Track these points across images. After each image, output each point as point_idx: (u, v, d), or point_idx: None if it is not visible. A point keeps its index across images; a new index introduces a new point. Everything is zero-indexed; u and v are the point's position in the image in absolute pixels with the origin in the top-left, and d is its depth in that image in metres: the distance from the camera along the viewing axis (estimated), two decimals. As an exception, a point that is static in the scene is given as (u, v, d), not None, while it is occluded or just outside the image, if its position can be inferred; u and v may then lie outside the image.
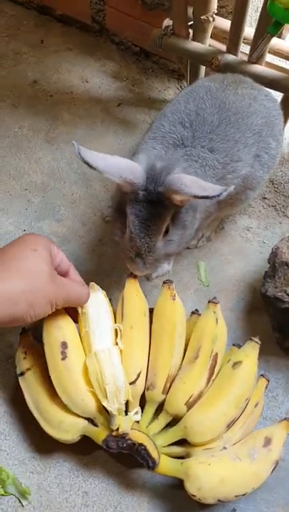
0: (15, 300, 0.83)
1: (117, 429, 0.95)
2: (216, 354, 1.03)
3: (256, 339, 1.04)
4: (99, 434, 0.97)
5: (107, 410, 0.98)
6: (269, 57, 1.40)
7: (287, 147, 1.51)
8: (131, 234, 0.99)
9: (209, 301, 1.08)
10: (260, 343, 1.05)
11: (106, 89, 1.64)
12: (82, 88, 1.64)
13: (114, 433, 0.95)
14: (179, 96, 1.19)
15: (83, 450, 1.06)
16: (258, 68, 1.29)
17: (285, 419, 1.02)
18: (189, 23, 1.37)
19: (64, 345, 0.98)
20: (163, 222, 0.98)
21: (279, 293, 1.11)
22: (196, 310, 1.14)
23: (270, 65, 1.36)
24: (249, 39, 1.30)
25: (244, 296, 1.28)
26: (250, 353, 1.03)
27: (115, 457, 1.06)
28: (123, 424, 0.95)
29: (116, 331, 1.03)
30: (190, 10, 1.34)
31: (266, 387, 1.07)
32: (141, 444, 0.94)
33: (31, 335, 1.07)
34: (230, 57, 1.31)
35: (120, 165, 0.94)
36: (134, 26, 1.62)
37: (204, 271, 1.32)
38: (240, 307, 1.27)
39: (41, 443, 1.07)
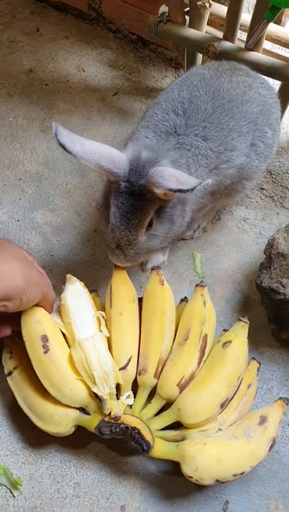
0: (13, 276, 0.87)
1: (110, 414, 0.94)
2: (206, 335, 1.03)
3: (245, 319, 1.04)
4: (91, 422, 0.97)
5: (98, 397, 0.97)
6: (268, 45, 1.38)
7: (285, 137, 1.49)
8: (112, 225, 0.97)
9: (197, 285, 1.08)
10: (248, 322, 1.05)
11: (102, 77, 1.62)
12: (78, 77, 1.62)
13: (106, 418, 0.95)
14: (173, 84, 1.16)
15: (75, 441, 1.05)
16: (256, 55, 1.26)
17: (279, 398, 1.01)
18: (186, 10, 1.35)
19: (44, 338, 0.97)
20: (145, 216, 0.96)
21: (274, 284, 1.10)
22: (185, 297, 1.14)
23: (268, 52, 1.33)
24: (246, 25, 1.27)
25: (240, 287, 1.27)
26: (240, 332, 1.03)
27: (107, 447, 1.05)
28: (115, 407, 0.95)
29: (98, 318, 1.03)
30: (187, -4, 1.32)
31: (258, 370, 1.06)
32: (134, 428, 0.93)
33: (16, 334, 1.06)
34: (227, 44, 1.29)
35: (100, 152, 0.91)
36: (131, 13, 1.59)
37: (200, 262, 1.30)
38: (236, 299, 1.25)
39: (33, 434, 1.06)
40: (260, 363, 1.08)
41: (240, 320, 1.05)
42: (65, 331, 1.02)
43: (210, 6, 1.28)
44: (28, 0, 1.79)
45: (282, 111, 1.40)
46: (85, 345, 0.96)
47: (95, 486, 1.02)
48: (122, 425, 0.94)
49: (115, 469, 1.03)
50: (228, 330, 1.06)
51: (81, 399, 0.97)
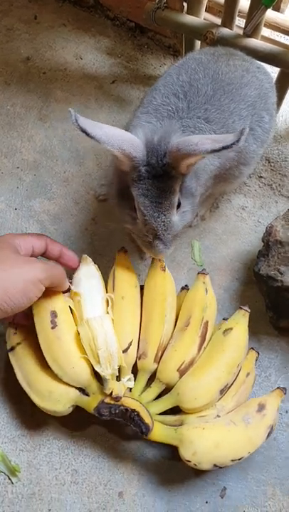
0: None
1: (111, 394, 0.95)
2: (207, 322, 1.03)
3: (246, 307, 1.05)
4: (91, 403, 0.97)
5: (99, 379, 0.98)
6: (267, 32, 1.37)
7: (283, 124, 1.48)
8: (144, 217, 0.92)
9: (199, 273, 1.08)
10: (249, 311, 1.05)
11: (100, 65, 1.61)
12: (76, 65, 1.60)
13: (106, 399, 0.95)
14: (170, 69, 1.15)
15: (73, 428, 1.06)
16: (254, 42, 1.25)
17: (277, 388, 1.02)
18: (184, -4, 1.34)
19: (54, 314, 0.97)
20: (174, 195, 0.92)
21: (272, 271, 1.09)
22: (186, 286, 1.14)
23: (266, 39, 1.32)
24: (244, 12, 1.26)
25: (238, 275, 1.27)
26: (240, 320, 1.03)
27: (105, 434, 1.05)
28: (116, 388, 0.95)
29: (107, 301, 1.03)
30: (185, -18, 1.31)
31: (256, 360, 1.07)
32: (134, 410, 0.94)
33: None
34: (225, 30, 1.27)
35: (120, 136, 0.87)
36: (129, 1, 1.58)
37: (198, 250, 1.30)
38: (235, 287, 1.25)
39: (31, 421, 1.06)
40: (258, 353, 1.08)
41: (241, 308, 1.05)
42: (74, 309, 1.02)
43: (208, -9, 1.27)
44: (26, -13, 1.77)
45: (281, 98, 1.39)
46: (93, 324, 0.97)
47: (93, 473, 1.02)
48: (122, 407, 0.94)
49: (113, 456, 1.04)
50: (227, 318, 1.06)
51: (82, 379, 0.97)
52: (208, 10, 1.37)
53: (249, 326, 1.18)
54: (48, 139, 1.45)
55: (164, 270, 1.05)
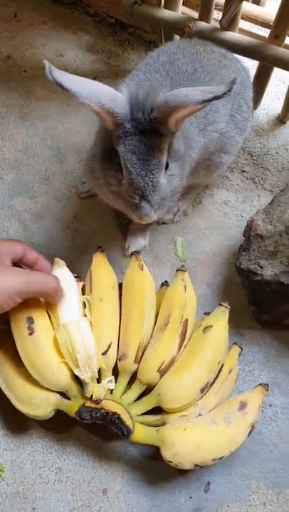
0: None
1: (91, 397, 0.94)
2: (186, 320, 1.02)
3: (226, 304, 1.04)
4: (72, 407, 0.96)
5: (79, 382, 0.97)
6: (247, 25, 1.36)
7: (265, 117, 1.48)
8: (130, 175, 0.88)
9: (177, 270, 1.07)
10: (229, 307, 1.04)
11: (81, 62, 1.60)
12: (56, 62, 1.60)
13: (87, 403, 0.94)
14: (150, 54, 1.16)
15: (57, 427, 1.05)
16: (231, 35, 1.25)
17: (259, 384, 1.01)
18: (161, -10, 1.33)
19: (30, 320, 0.96)
20: (163, 154, 0.88)
21: (252, 265, 1.09)
22: (166, 281, 1.13)
23: (244, 32, 1.32)
24: (222, 5, 1.26)
25: (221, 270, 1.27)
26: (220, 317, 1.03)
27: (89, 432, 1.05)
28: (96, 390, 0.95)
29: (84, 303, 1.02)
30: (161, -24, 1.30)
31: (239, 355, 1.06)
32: (114, 413, 0.93)
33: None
34: (203, 24, 1.27)
35: (100, 90, 0.82)
36: (108, -4, 1.57)
37: (181, 246, 1.30)
38: (217, 282, 1.25)
39: (14, 420, 1.06)
40: (241, 348, 1.07)
41: (220, 305, 1.04)
42: (50, 313, 1.00)
43: (184, -15, 1.27)
44: (5, -15, 1.76)
45: (261, 91, 1.39)
46: (70, 329, 0.95)
47: (77, 471, 1.02)
48: (102, 410, 0.94)
49: (97, 454, 1.04)
50: (209, 313, 1.06)
51: (62, 383, 0.96)
52: (185, 4, 1.37)
53: (232, 321, 1.18)
54: (29, 138, 1.44)
55: (142, 269, 1.04)
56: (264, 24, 1.33)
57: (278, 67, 1.25)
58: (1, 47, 1.62)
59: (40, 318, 0.98)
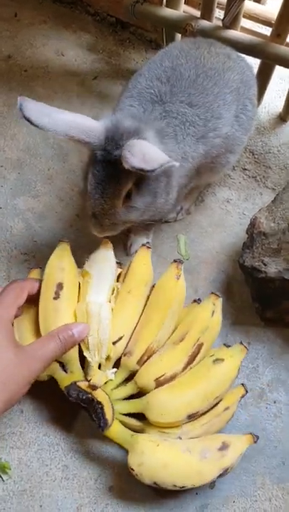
0: None
1: (88, 380, 0.96)
2: (202, 344, 1.01)
3: (245, 343, 1.03)
4: (64, 380, 0.97)
5: (81, 361, 0.99)
6: (248, 24, 1.37)
7: (266, 116, 1.49)
8: (88, 193, 0.96)
9: (212, 293, 1.06)
10: (248, 348, 1.04)
11: (82, 62, 1.60)
12: (57, 62, 1.60)
13: (79, 383, 0.94)
14: (154, 57, 1.16)
15: (63, 425, 1.06)
16: (233, 33, 1.26)
17: (250, 433, 0.98)
18: (163, -11, 1.34)
19: (60, 286, 0.99)
20: (121, 187, 0.95)
21: (256, 263, 1.10)
22: (199, 299, 1.10)
23: (247, 30, 1.32)
24: (223, 3, 1.26)
25: (224, 268, 1.27)
26: (236, 355, 1.01)
27: (95, 430, 1.05)
28: (97, 377, 0.96)
29: (113, 290, 1.04)
30: (163, -25, 1.31)
31: (242, 397, 1.03)
32: (99, 402, 0.93)
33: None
34: (205, 23, 1.28)
35: (69, 123, 0.89)
36: (109, -5, 1.58)
37: (184, 244, 1.30)
38: (221, 279, 1.26)
39: (21, 419, 1.07)
40: (246, 391, 1.04)
41: (241, 343, 1.03)
42: (81, 287, 1.03)
43: (186, -16, 1.27)
44: (5, -15, 1.76)
45: (263, 89, 1.40)
46: (91, 309, 0.98)
47: (84, 468, 1.03)
48: (90, 396, 0.94)
49: (103, 451, 1.04)
50: (229, 346, 1.04)
51: (65, 355, 0.97)
52: (187, 2, 1.37)
53: (236, 318, 1.20)
54: (31, 137, 1.44)
55: (178, 279, 1.04)
56: (265, 22, 1.33)
57: (280, 65, 1.26)
58: (1, 46, 1.62)
59: (70, 288, 1.01)
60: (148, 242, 1.10)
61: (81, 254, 1.09)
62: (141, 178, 0.97)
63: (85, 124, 0.91)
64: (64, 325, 0.96)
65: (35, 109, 0.87)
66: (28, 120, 0.85)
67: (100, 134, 0.92)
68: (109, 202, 0.95)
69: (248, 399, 1.10)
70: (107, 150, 0.92)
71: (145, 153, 0.88)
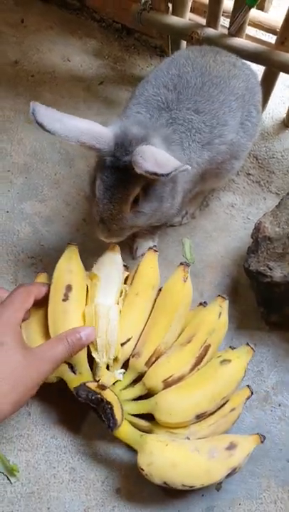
0: None
1: (97, 381, 0.97)
2: (209, 346, 1.02)
3: (252, 345, 1.04)
4: (73, 381, 0.99)
5: (90, 362, 1.00)
6: (252, 31, 1.39)
7: (270, 121, 1.50)
8: (96, 199, 0.97)
9: (219, 295, 1.08)
10: (254, 350, 1.05)
11: (88, 67, 1.62)
12: (63, 67, 1.62)
13: (89, 384, 0.96)
14: (160, 64, 1.18)
15: (70, 427, 1.07)
16: (239, 41, 1.27)
17: (257, 433, 0.99)
18: (168, -3, 1.35)
19: (69, 288, 1.01)
20: (129, 192, 0.96)
21: (262, 267, 1.11)
22: (205, 302, 1.12)
23: (251, 38, 1.34)
24: (229, 12, 1.28)
25: (229, 272, 1.29)
26: (243, 356, 1.03)
27: (102, 432, 1.07)
28: (106, 377, 0.97)
29: (121, 292, 1.06)
30: (169, -17, 1.32)
31: (248, 398, 1.04)
32: (109, 403, 0.95)
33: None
34: (210, 30, 1.29)
35: (81, 128, 0.90)
36: (115, 2, 1.59)
37: (189, 248, 1.32)
38: (226, 283, 1.27)
39: (28, 421, 1.08)
40: (252, 393, 1.05)
41: (247, 344, 1.04)
42: (89, 289, 1.05)
43: (192, -8, 1.29)
44: (11, -9, 1.78)
45: (267, 95, 1.42)
46: (100, 311, 0.99)
47: (91, 470, 1.04)
48: (99, 396, 0.95)
49: (110, 453, 1.05)
50: (234, 348, 1.05)
51: (74, 356, 0.98)
52: (192, 10, 1.39)
53: (241, 322, 1.21)
54: (37, 142, 1.46)
55: (185, 281, 1.05)
56: (270, 30, 1.35)
57: (285, 72, 1.28)
58: (8, 52, 1.64)
59: (79, 290, 1.03)
60: (155, 246, 1.12)
61: (88, 258, 1.10)
62: (148, 184, 0.98)
63: (95, 130, 0.93)
64: (72, 328, 0.97)
65: (47, 114, 0.88)
66: (41, 125, 0.86)
67: (109, 140, 0.93)
68: (117, 207, 0.97)
69: (253, 402, 1.12)
70: (116, 156, 0.93)
71: (157, 158, 0.89)
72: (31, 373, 0.88)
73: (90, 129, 0.92)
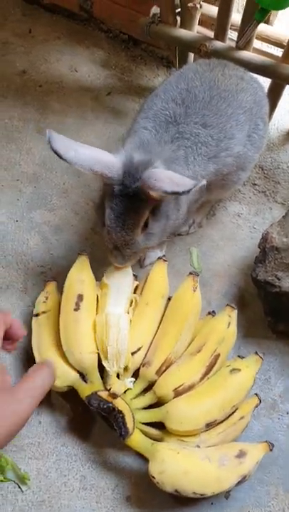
0: None
1: (108, 389, 0.99)
2: (218, 355, 1.04)
3: (260, 354, 1.06)
4: (85, 390, 1.01)
5: (101, 371, 1.02)
6: (257, 44, 1.41)
7: (276, 132, 1.52)
8: (108, 227, 0.99)
9: (228, 305, 1.09)
10: (263, 358, 1.07)
11: (95, 77, 1.64)
12: (71, 77, 1.63)
13: (100, 392, 0.97)
14: (169, 78, 1.20)
15: (81, 435, 1.08)
16: (246, 54, 1.29)
17: (265, 441, 1.01)
18: (177, 11, 1.37)
19: (80, 297, 1.04)
20: (140, 217, 0.98)
21: (269, 277, 1.13)
22: (213, 311, 1.14)
23: (257, 51, 1.36)
24: (236, 25, 1.30)
25: (236, 281, 1.30)
26: (252, 365, 1.04)
27: (112, 441, 1.08)
28: (117, 385, 0.99)
29: (132, 301, 1.07)
30: (177, -3, 1.35)
31: (256, 407, 1.06)
32: (120, 412, 0.96)
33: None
34: (218, 43, 1.31)
35: (94, 157, 0.93)
36: (122, 14, 1.61)
37: (196, 257, 1.33)
38: (233, 292, 1.29)
39: (39, 429, 1.08)
40: (260, 401, 1.06)
41: (256, 353, 1.06)
42: (99, 298, 1.07)
43: (201, 7, 1.31)
44: (20, 2, 1.80)
45: (273, 107, 1.44)
46: (110, 320, 1.01)
47: (101, 478, 1.05)
48: (111, 405, 0.97)
49: (120, 461, 1.06)
50: (243, 357, 1.07)
51: (85, 365, 1.02)
52: (200, 23, 1.41)
53: (248, 331, 1.22)
54: (46, 151, 1.48)
55: (195, 291, 1.07)
56: (276, 43, 1.37)
57: (291, 85, 1.30)
58: (16, 62, 1.66)
59: (90, 300, 1.05)
60: (164, 255, 1.13)
61: (96, 267, 1.12)
62: (155, 206, 1.00)
63: (106, 159, 0.95)
64: (46, 360, 0.99)
65: (63, 143, 0.91)
66: (56, 153, 0.90)
67: (118, 168, 0.95)
68: (130, 233, 0.98)
69: (261, 410, 1.13)
70: (125, 184, 0.95)
71: (171, 177, 0.92)
72: (15, 410, 0.75)
73: (102, 158, 0.94)
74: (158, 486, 0.94)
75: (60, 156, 0.90)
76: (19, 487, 1.03)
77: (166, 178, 0.91)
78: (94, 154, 0.94)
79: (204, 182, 0.90)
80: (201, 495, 0.94)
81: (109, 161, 0.95)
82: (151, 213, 1.01)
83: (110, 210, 0.98)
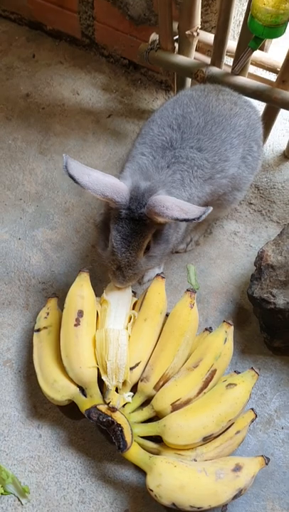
0: None
1: (108, 403, 1.02)
2: (215, 370, 1.07)
3: (256, 369, 1.08)
4: (85, 404, 1.04)
5: (100, 385, 1.05)
6: (252, 69, 1.46)
7: (271, 153, 1.57)
8: (113, 248, 1.03)
9: (224, 321, 1.12)
10: (259, 374, 1.09)
11: (96, 100, 1.69)
12: (73, 100, 1.69)
13: (99, 406, 1.00)
14: (165, 104, 1.25)
15: (80, 449, 1.10)
16: (241, 79, 1.34)
17: (261, 456, 1.03)
18: (175, 38, 1.43)
19: (80, 313, 1.08)
20: (144, 240, 1.03)
21: (265, 294, 1.16)
22: (210, 327, 1.17)
23: (253, 76, 1.41)
24: (232, 52, 1.36)
25: (233, 298, 1.33)
26: (247, 380, 1.07)
27: (110, 454, 1.10)
28: (116, 399, 1.02)
29: (130, 317, 1.11)
30: (175, 25, 1.40)
31: (252, 421, 1.08)
32: (119, 425, 0.99)
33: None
34: (215, 69, 1.37)
35: (105, 183, 0.98)
36: (123, 40, 1.68)
37: (194, 274, 1.37)
38: (230, 309, 1.31)
39: (39, 443, 1.10)
40: (256, 415, 1.08)
41: (252, 369, 1.08)
42: (99, 314, 1.11)
43: (198, 34, 1.36)
44: (24, 28, 1.87)
45: (268, 129, 1.48)
46: (110, 335, 1.05)
47: (100, 492, 1.06)
48: (110, 418, 0.99)
49: (118, 475, 1.08)
50: (239, 372, 1.10)
51: (84, 380, 1.05)
52: (198, 49, 1.46)
53: (244, 347, 1.25)
54: (48, 172, 1.52)
55: (192, 307, 1.10)
56: (270, 69, 1.42)
57: (286, 109, 1.34)
58: (20, 85, 1.72)
59: (90, 315, 1.09)
60: (162, 273, 1.17)
61: (96, 284, 1.15)
62: (157, 230, 1.05)
63: (116, 184, 1.00)
64: None
65: (77, 168, 0.96)
66: (72, 177, 0.95)
67: (125, 194, 1.01)
68: (134, 254, 1.03)
69: (257, 425, 1.15)
70: (131, 209, 1.00)
71: (180, 205, 0.96)
72: None
73: (112, 184, 0.99)
74: (155, 500, 0.96)
75: (75, 181, 0.95)
76: (19, 500, 1.05)
77: (174, 205, 0.96)
78: (105, 180, 0.99)
79: (211, 209, 0.94)
80: (198, 508, 0.95)
81: (118, 187, 1.00)
82: (153, 237, 1.06)
83: (116, 232, 1.02)
